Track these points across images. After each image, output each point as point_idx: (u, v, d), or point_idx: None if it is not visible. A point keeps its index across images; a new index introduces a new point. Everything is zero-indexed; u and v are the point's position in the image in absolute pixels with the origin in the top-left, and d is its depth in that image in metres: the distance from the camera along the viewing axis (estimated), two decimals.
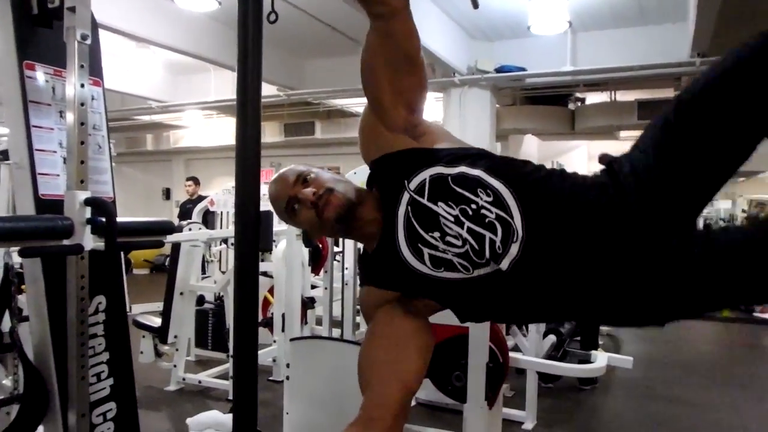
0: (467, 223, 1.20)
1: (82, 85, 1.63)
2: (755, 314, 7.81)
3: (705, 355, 6.05)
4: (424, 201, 1.25)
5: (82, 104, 1.63)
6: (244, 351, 1.35)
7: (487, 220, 1.19)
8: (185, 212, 7.57)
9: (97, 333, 1.86)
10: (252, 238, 1.33)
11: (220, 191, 5.14)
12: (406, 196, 1.27)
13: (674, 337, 6.66)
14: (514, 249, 1.17)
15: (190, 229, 4.12)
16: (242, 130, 1.32)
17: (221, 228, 4.91)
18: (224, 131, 10.94)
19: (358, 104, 9.07)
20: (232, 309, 4.00)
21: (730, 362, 5.77)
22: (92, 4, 1.64)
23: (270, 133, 10.28)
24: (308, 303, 4.07)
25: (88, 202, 1.58)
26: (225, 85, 8.05)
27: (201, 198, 7.70)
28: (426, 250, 1.23)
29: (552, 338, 3.60)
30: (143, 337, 4.06)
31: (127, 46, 6.67)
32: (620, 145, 10.99)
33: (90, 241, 1.59)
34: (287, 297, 3.18)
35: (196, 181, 8.34)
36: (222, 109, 9.64)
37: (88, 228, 1.59)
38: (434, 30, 5.31)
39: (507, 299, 1.23)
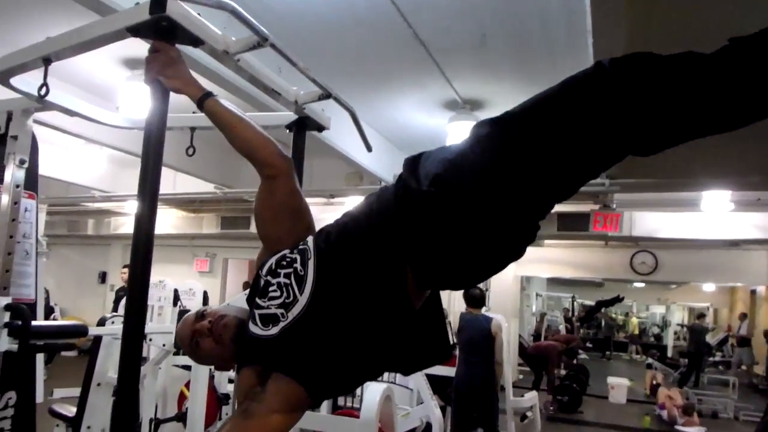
0: (282, 271, 1.41)
1: (16, 203, 1.86)
2: (677, 427, 7.93)
3: None
4: (265, 277, 1.44)
5: (14, 219, 1.86)
6: None
7: (293, 257, 1.41)
8: (119, 299, 7.56)
9: (5, 428, 1.99)
10: (138, 331, 1.38)
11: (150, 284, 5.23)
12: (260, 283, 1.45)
13: None
14: (310, 269, 1.37)
15: (113, 323, 4.20)
16: (138, 229, 1.39)
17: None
18: (164, 221, 11.08)
19: None
20: (146, 402, 4.04)
21: None
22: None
23: (207, 225, 10.52)
24: (222, 399, 4.13)
25: (7, 307, 1.77)
26: (166, 179, 8.27)
27: None
28: (257, 312, 1.39)
29: None
30: (56, 426, 4.01)
31: (76, 141, 6.91)
32: (544, 251, 11.20)
33: (5, 343, 1.77)
34: (194, 394, 3.26)
35: None
36: (163, 201, 9.84)
37: (5, 331, 1.77)
38: (360, 142, 5.55)
39: (321, 336, 1.34)
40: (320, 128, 2.22)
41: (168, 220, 11.01)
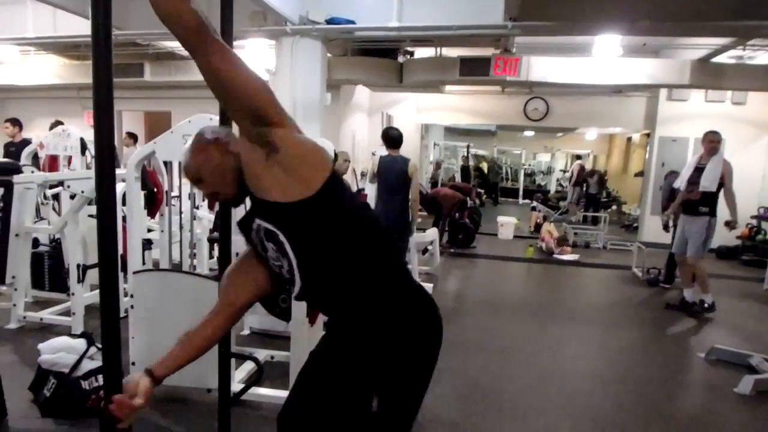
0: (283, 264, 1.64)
1: None
2: (555, 255, 9.13)
3: (503, 291, 7.02)
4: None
5: None
6: (108, 282, 1.58)
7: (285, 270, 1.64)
8: (8, 155, 7.13)
9: None
10: (110, 179, 1.57)
11: (50, 135, 5.05)
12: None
13: (484, 279, 7.63)
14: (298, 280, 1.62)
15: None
16: (97, 81, 1.52)
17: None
18: (45, 70, 10.20)
19: None
20: (71, 250, 4.12)
21: (525, 295, 6.84)
22: None
23: None
24: (146, 245, 4.27)
25: None
26: (45, 19, 7.48)
27: (24, 141, 7.31)
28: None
29: None
30: None
31: None
32: (444, 99, 11.67)
33: None
34: (128, 237, 3.39)
35: (14, 122, 7.73)
36: (43, 46, 8.99)
37: None
38: None
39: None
40: None
41: (50, 69, 10.14)
